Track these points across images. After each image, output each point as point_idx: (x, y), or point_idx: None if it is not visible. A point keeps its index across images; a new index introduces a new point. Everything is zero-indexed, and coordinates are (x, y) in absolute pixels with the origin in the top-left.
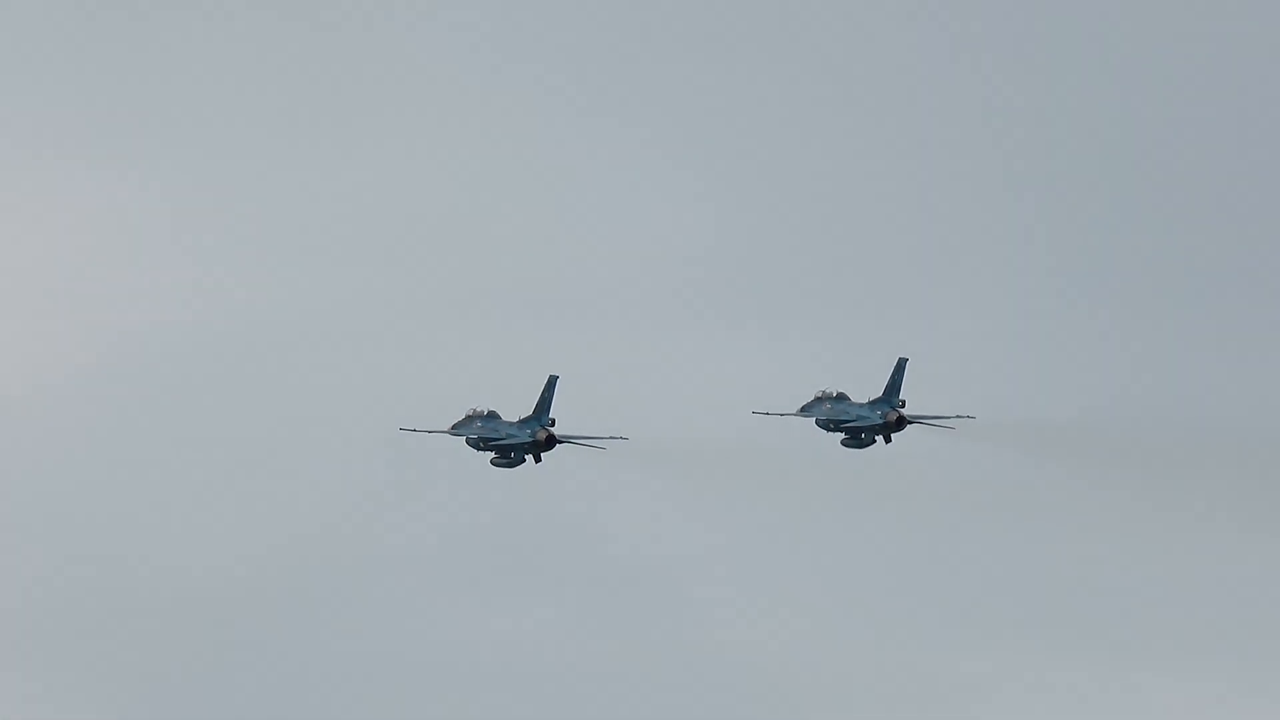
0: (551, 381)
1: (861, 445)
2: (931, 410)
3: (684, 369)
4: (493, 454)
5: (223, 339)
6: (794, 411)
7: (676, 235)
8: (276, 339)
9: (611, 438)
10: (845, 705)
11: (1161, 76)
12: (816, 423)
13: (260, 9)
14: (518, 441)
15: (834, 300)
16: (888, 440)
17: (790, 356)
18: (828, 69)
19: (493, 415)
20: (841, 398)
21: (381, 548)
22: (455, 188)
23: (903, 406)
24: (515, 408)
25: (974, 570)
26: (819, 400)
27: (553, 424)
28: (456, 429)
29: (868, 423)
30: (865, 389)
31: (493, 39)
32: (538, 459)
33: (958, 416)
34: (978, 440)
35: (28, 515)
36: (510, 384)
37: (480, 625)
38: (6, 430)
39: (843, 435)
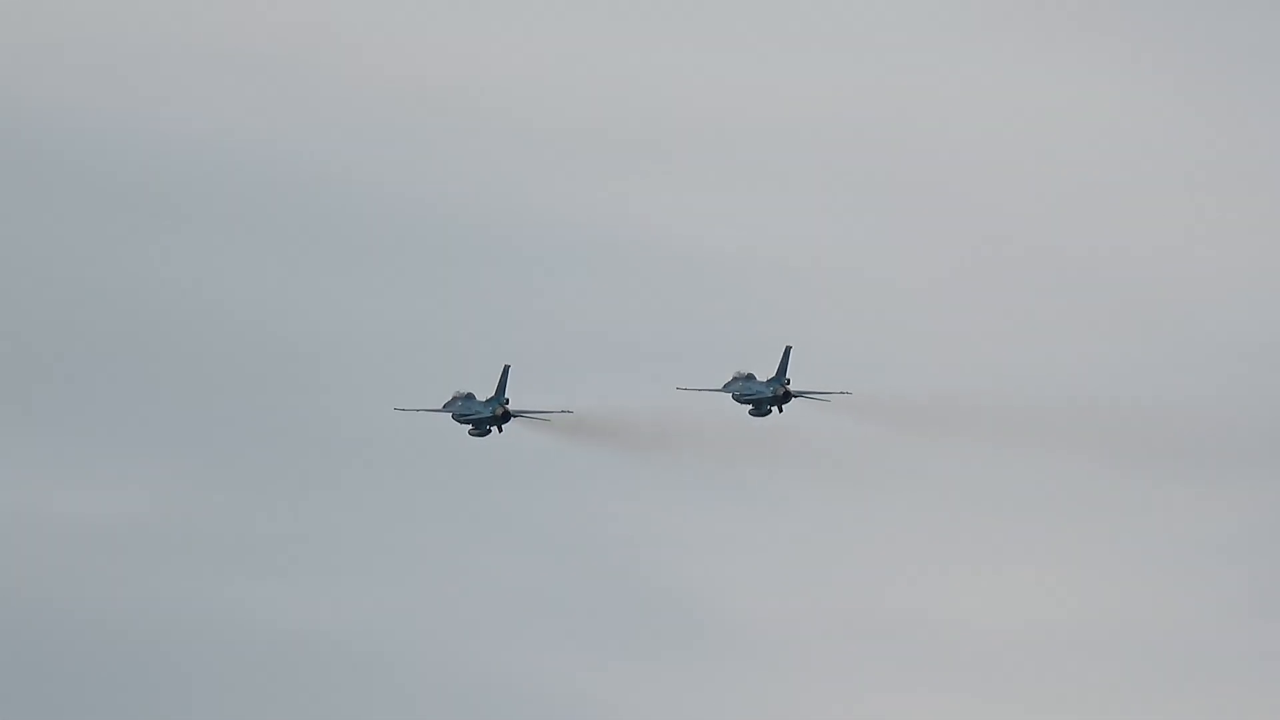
0: (505, 369)
1: (763, 415)
2: (816, 386)
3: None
4: (469, 426)
5: None
6: (716, 388)
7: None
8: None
9: (559, 411)
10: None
11: None
12: (733, 397)
13: None
14: (484, 416)
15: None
16: (780, 410)
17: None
18: None
19: (470, 396)
20: (750, 378)
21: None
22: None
23: (788, 384)
24: (487, 389)
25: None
26: (735, 379)
27: (507, 402)
28: (446, 407)
29: (765, 396)
30: (769, 369)
31: None
32: (500, 429)
33: (838, 393)
34: (851, 412)
35: None
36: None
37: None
38: None
39: (750, 407)
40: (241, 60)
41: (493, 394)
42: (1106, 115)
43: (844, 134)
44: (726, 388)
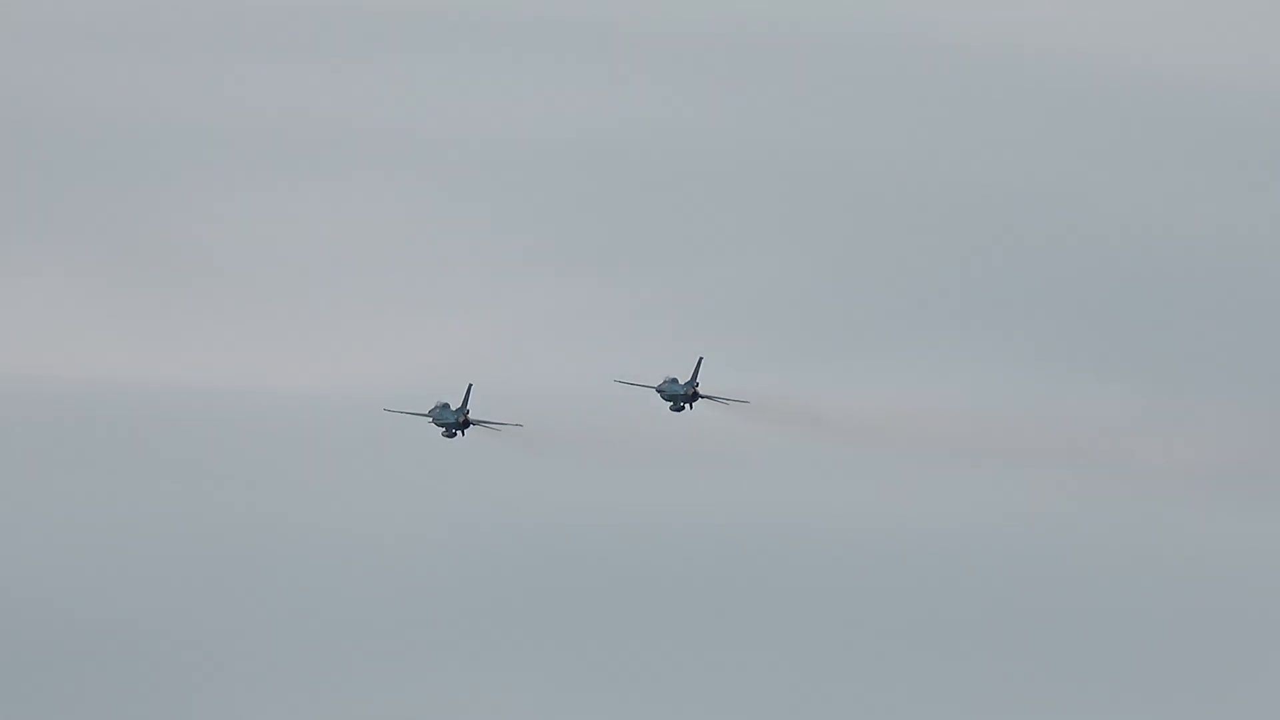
0: (469, 388)
1: (679, 411)
2: (722, 392)
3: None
4: (443, 429)
5: None
6: (649, 385)
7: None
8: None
9: (510, 424)
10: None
11: None
12: (659, 394)
13: None
14: (451, 422)
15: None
16: (691, 408)
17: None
18: None
19: (446, 405)
20: (674, 381)
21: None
22: None
23: (697, 387)
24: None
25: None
26: (665, 380)
27: (468, 413)
28: (428, 413)
29: (679, 394)
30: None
31: None
32: (463, 434)
33: (738, 401)
34: (750, 415)
35: None
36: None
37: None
38: None
39: (670, 404)
40: None
41: (460, 405)
42: None
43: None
44: (658, 387)
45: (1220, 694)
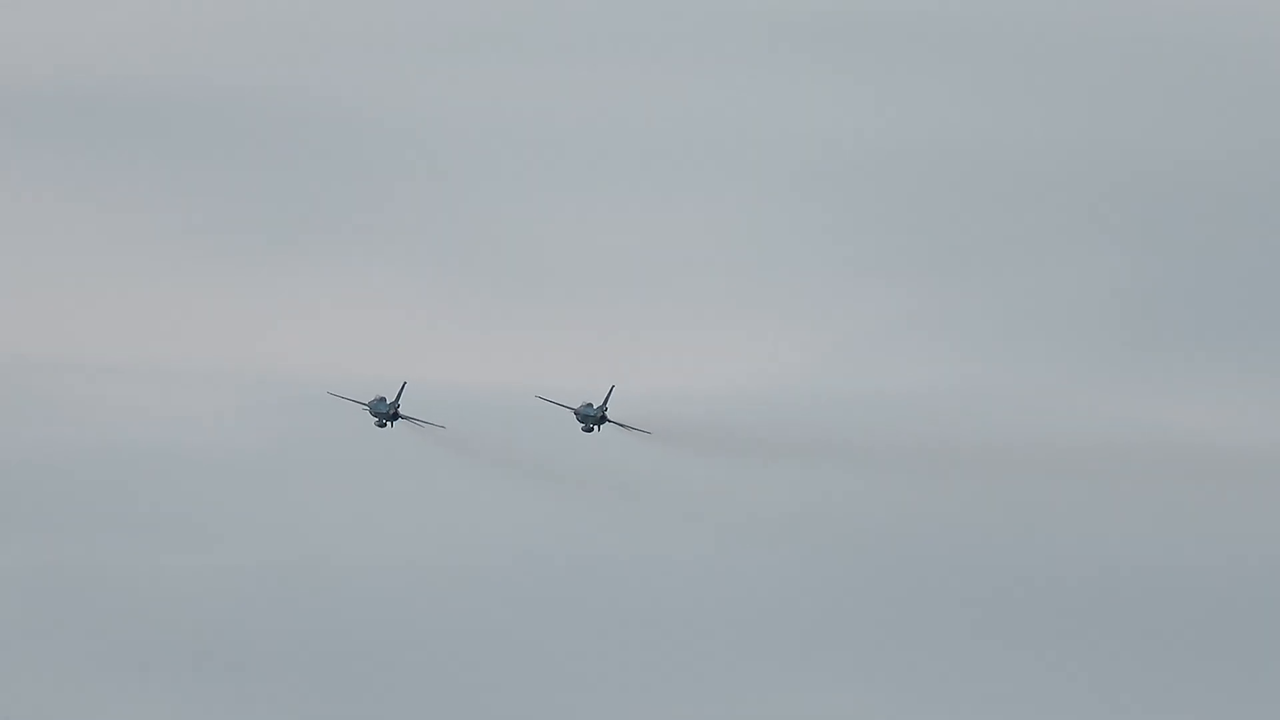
0: (403, 385)
1: (589, 432)
2: (629, 420)
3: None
4: (376, 419)
5: None
6: (569, 406)
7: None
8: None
9: (433, 423)
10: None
11: None
12: (575, 414)
13: None
14: (384, 413)
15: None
16: (599, 430)
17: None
18: None
19: (382, 399)
20: (589, 405)
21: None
22: None
23: (605, 411)
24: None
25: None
26: (582, 404)
27: (398, 407)
28: (367, 403)
29: (591, 417)
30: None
31: None
32: (391, 425)
33: (641, 430)
34: (650, 442)
35: None
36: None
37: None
38: None
39: (582, 425)
40: None
41: (394, 399)
42: None
43: None
44: (576, 409)
45: None
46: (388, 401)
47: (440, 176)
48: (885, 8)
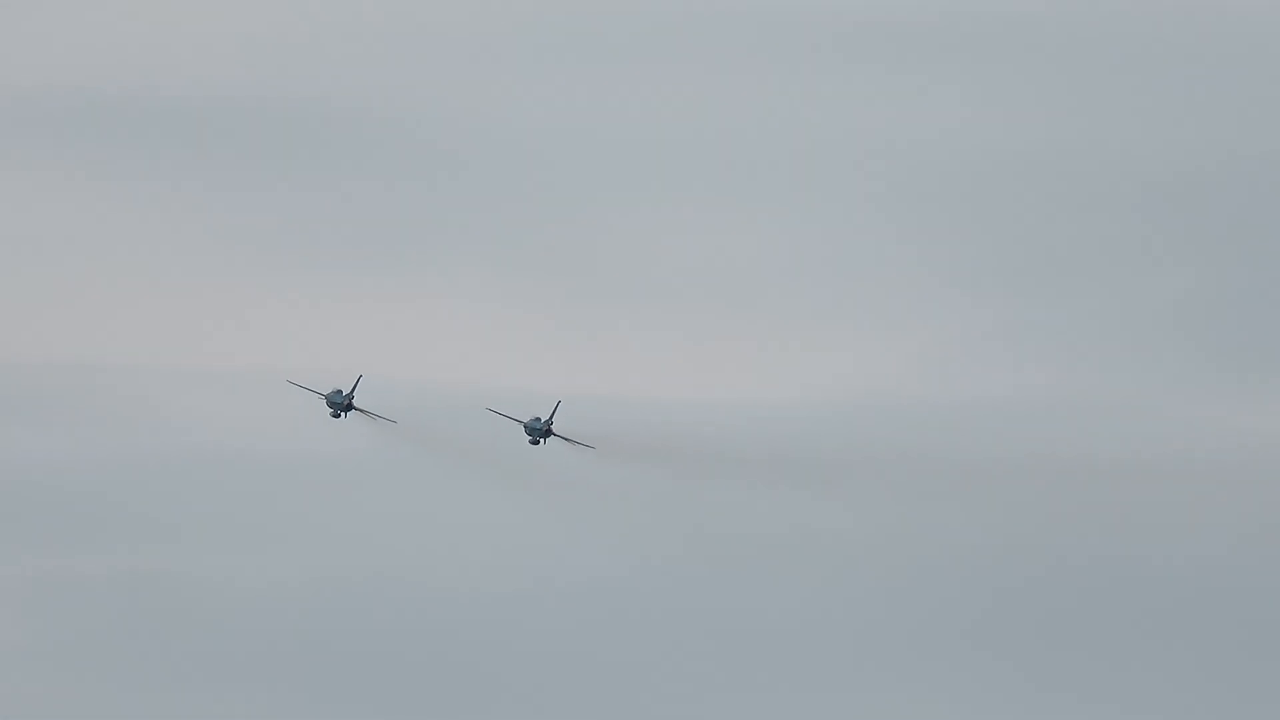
0: (358, 378)
1: (535, 444)
2: (574, 435)
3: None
4: (331, 410)
5: None
6: (519, 419)
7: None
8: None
9: (385, 418)
10: None
11: None
12: (524, 427)
13: None
14: (339, 404)
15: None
16: (544, 443)
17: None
18: None
19: (339, 391)
20: (538, 419)
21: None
22: None
23: (551, 425)
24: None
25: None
26: (533, 417)
27: (352, 398)
28: (324, 393)
29: (538, 429)
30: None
31: None
32: (345, 416)
33: (584, 445)
34: (596, 458)
35: None
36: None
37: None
38: None
39: (529, 438)
40: None
41: (349, 391)
42: None
43: None
44: (526, 422)
45: None
46: (342, 394)
47: (489, 183)
48: (981, 15)
